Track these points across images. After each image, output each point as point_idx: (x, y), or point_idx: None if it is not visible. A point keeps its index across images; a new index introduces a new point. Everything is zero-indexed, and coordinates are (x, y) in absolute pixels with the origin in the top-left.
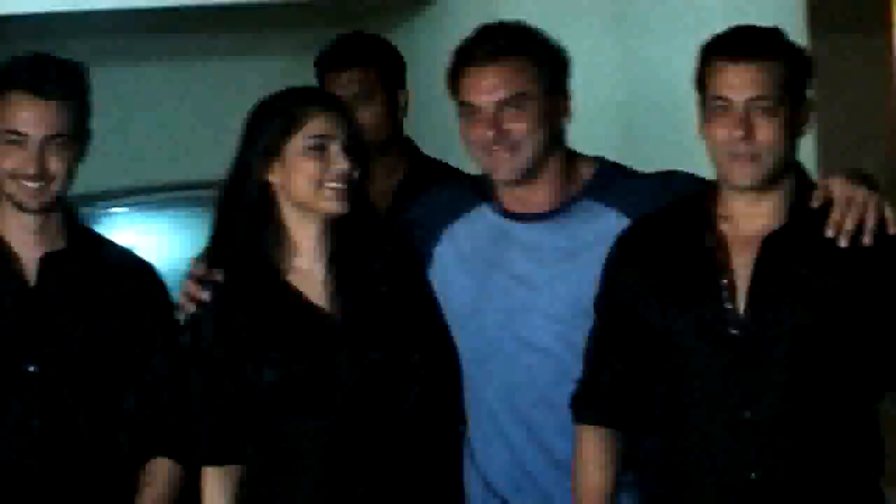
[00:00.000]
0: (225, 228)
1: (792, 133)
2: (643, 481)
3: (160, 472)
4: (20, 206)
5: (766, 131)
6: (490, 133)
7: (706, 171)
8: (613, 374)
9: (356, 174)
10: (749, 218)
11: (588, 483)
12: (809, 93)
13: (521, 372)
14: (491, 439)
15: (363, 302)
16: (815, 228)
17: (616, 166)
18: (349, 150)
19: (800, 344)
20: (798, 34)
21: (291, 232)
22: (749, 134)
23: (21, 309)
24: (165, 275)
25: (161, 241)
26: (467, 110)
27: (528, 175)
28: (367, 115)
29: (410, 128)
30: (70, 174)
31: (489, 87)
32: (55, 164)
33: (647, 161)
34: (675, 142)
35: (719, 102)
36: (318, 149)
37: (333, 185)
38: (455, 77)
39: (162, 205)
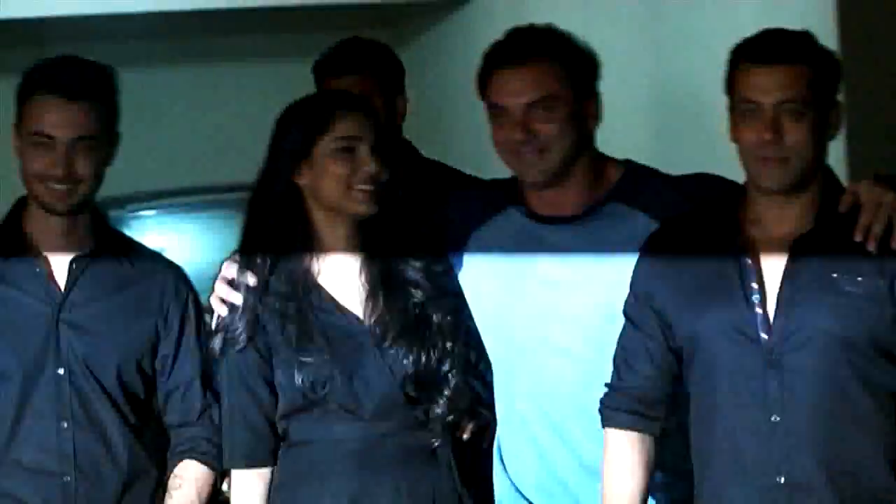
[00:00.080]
0: (255, 231)
1: (821, 136)
2: (672, 484)
3: (190, 475)
4: (48, 209)
5: (796, 134)
6: (519, 135)
7: (736, 175)
8: (642, 378)
9: (385, 176)
10: (778, 221)
11: (618, 488)
12: (839, 97)
13: (550, 376)
14: (520, 443)
15: (394, 306)
16: (844, 232)
17: (645, 169)
18: (378, 152)
19: (828, 348)
20: (828, 38)
21: (321, 234)
22: (778, 137)
23: (49, 311)
24: (195, 278)
25: (191, 243)
26: (496, 112)
27: (557, 177)
28: None
29: (437, 128)
30: (98, 176)
31: (518, 89)
32: (83, 167)
33: (676, 164)
34: (705, 145)
35: (749, 105)
36: (347, 150)
37: (362, 186)
38: (485, 79)
39: (191, 207)
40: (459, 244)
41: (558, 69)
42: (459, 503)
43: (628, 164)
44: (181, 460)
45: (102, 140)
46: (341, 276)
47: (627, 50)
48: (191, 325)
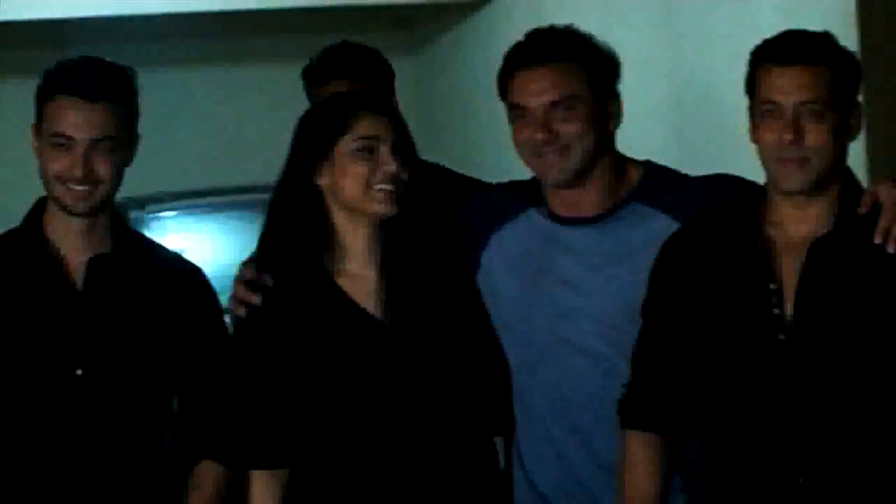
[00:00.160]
0: (275, 232)
1: (841, 138)
2: (689, 486)
3: (208, 476)
4: (67, 210)
5: (816, 135)
6: (540, 135)
7: (755, 176)
8: (661, 379)
9: (405, 176)
10: (797, 223)
11: (635, 489)
12: (859, 98)
13: (569, 376)
14: (539, 443)
15: (413, 307)
16: (864, 234)
17: (665, 169)
18: (398, 152)
19: (846, 349)
20: (848, 39)
21: (341, 235)
22: (798, 138)
23: (68, 312)
24: (214, 279)
25: (210, 244)
26: (518, 112)
27: (578, 178)
28: None
29: (455, 130)
30: (117, 177)
31: (539, 89)
32: (102, 168)
33: (696, 165)
34: (724, 145)
35: (769, 106)
36: (367, 150)
37: (382, 186)
38: (506, 79)
39: (211, 209)
40: (480, 245)
41: (579, 69)
42: (477, 502)
43: (648, 165)
44: (200, 461)
45: (122, 141)
46: (361, 277)
47: (646, 51)
48: (209, 326)
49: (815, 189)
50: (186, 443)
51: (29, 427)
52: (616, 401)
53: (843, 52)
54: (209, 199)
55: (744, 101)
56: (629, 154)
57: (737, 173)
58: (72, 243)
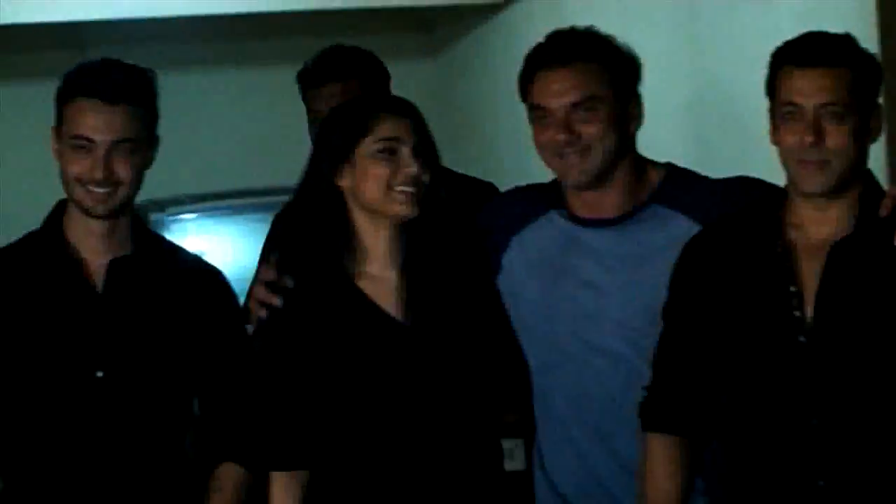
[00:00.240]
0: (296, 234)
1: (862, 140)
2: (710, 488)
3: (228, 478)
4: (87, 212)
5: (836, 137)
6: (561, 136)
7: (775, 178)
8: (681, 382)
9: (426, 178)
10: (818, 225)
11: (657, 491)
12: (879, 100)
13: (590, 378)
14: (559, 445)
15: (434, 309)
16: (884, 236)
17: (685, 171)
18: (419, 154)
19: (867, 351)
20: (868, 41)
21: (362, 237)
22: (819, 140)
23: (88, 315)
24: (235, 281)
25: (230, 246)
26: (539, 114)
27: (599, 179)
28: None
29: (475, 132)
30: (137, 179)
31: (561, 90)
32: (122, 170)
33: (717, 166)
34: (744, 147)
35: (789, 108)
36: (388, 152)
37: (403, 188)
38: (527, 81)
39: (231, 211)
40: (501, 247)
41: (600, 70)
42: (497, 503)
43: (669, 167)
44: (220, 463)
45: (142, 143)
46: (382, 279)
47: (666, 53)
48: (230, 328)
49: (835, 191)
50: (207, 444)
51: (50, 429)
52: (637, 403)
53: (863, 53)
54: (229, 202)
55: (764, 103)
56: (649, 156)
57: (757, 175)
58: (92, 246)
